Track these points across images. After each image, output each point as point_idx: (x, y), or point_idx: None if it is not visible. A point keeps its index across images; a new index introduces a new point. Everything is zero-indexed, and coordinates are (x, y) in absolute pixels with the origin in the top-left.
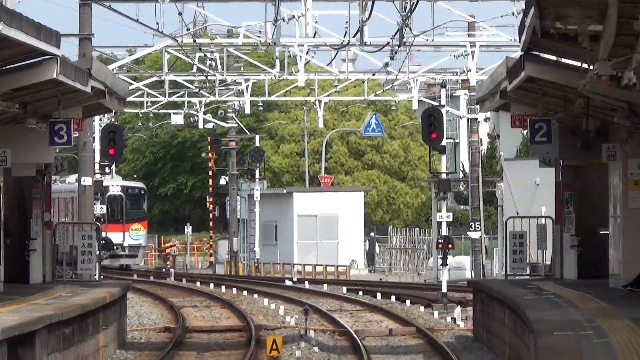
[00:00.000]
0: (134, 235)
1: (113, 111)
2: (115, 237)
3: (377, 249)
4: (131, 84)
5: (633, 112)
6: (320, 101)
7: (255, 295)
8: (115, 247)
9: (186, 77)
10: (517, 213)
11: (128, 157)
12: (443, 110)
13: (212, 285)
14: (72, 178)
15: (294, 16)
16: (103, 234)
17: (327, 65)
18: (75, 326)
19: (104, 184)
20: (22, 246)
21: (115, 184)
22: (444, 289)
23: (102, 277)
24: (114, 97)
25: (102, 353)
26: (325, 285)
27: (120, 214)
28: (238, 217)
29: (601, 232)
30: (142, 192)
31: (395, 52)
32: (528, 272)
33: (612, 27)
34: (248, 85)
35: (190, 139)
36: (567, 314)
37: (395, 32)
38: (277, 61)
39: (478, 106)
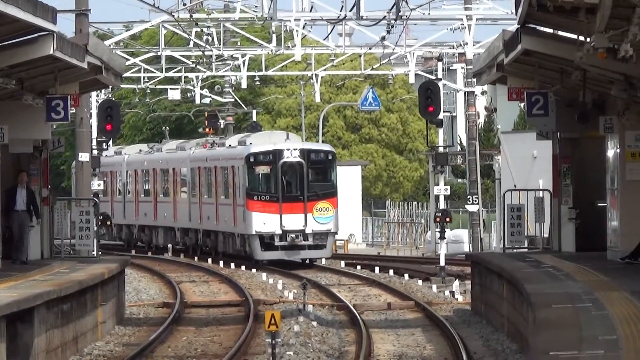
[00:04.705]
0: (320, 217)
1: (110, 87)
2: (294, 220)
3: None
4: (128, 59)
5: (630, 85)
6: (317, 75)
7: (254, 270)
8: (295, 236)
9: (183, 53)
10: (515, 186)
11: (125, 134)
12: (440, 84)
13: (210, 260)
14: None
15: None
16: (272, 217)
17: (324, 39)
18: (74, 302)
19: (277, 147)
20: None
21: (292, 147)
22: (442, 263)
23: (100, 253)
24: (110, 73)
25: (100, 329)
26: (323, 260)
27: (300, 189)
28: None
29: (599, 204)
30: (330, 158)
31: (392, 26)
32: (526, 245)
33: (609, 0)
34: (245, 60)
35: (188, 114)
36: (566, 287)
37: (392, 5)
38: (274, 36)
39: (475, 79)
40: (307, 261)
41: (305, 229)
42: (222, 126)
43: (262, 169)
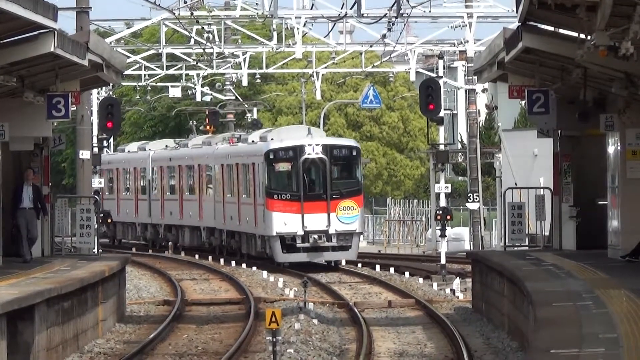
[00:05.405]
0: (344, 217)
1: (110, 84)
2: (316, 220)
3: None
4: (129, 57)
5: (631, 83)
6: (317, 73)
7: (254, 268)
8: (318, 236)
9: (184, 50)
10: (516, 184)
11: (126, 131)
12: (441, 82)
13: (210, 257)
14: None
15: None
16: (294, 217)
17: (325, 37)
18: (75, 300)
19: (298, 143)
20: None
21: (313, 143)
22: (443, 261)
23: (100, 250)
24: (111, 70)
25: (101, 326)
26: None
27: (322, 187)
28: None
29: (599, 202)
30: (355, 153)
31: (393, 24)
32: (527, 243)
33: None
34: (245, 58)
35: (186, 109)
36: (566, 285)
37: (393, 3)
38: (275, 33)
39: (476, 77)
40: (332, 264)
41: (328, 230)
42: (249, 120)
43: (283, 166)
